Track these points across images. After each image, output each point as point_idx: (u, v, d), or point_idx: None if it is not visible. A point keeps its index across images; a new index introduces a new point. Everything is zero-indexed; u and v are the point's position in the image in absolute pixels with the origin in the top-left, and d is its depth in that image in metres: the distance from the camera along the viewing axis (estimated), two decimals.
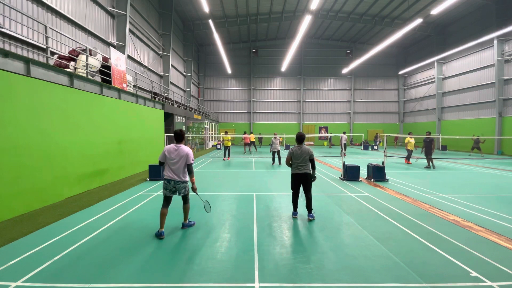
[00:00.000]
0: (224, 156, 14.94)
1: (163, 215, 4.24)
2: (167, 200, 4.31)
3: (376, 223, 4.80)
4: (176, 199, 5.04)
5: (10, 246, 3.82)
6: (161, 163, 4.32)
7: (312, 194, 5.14)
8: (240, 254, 3.60)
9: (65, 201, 6.23)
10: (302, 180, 4.96)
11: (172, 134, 12.38)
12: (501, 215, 5.27)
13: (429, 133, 12.12)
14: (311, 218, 4.94)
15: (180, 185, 4.22)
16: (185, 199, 4.47)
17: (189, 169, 4.25)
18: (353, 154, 19.81)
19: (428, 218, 5.06)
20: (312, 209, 5.02)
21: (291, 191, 5.20)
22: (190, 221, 4.68)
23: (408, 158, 13.50)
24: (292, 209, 5.28)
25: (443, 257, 3.52)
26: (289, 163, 5.11)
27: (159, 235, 4.13)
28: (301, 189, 5.12)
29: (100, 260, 3.41)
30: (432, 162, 11.83)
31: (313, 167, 4.99)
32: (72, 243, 3.90)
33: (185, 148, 4.24)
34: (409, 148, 13.23)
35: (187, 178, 4.31)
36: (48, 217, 5.06)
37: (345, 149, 20.99)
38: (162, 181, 4.51)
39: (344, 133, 17.56)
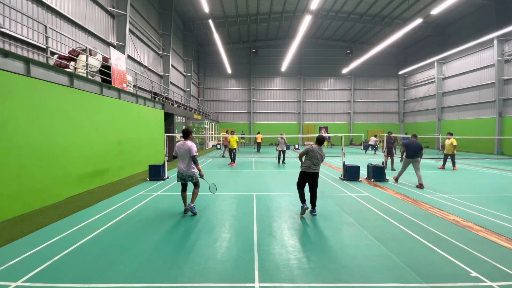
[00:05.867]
0: (231, 161, 12.85)
1: (183, 198, 5.28)
2: (182, 186, 5.29)
3: (376, 223, 4.80)
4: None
5: (10, 246, 3.81)
6: (174, 157, 5.39)
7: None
8: (240, 254, 3.60)
9: (65, 201, 6.22)
10: (311, 179, 5.20)
11: (172, 134, 12.40)
12: (501, 215, 5.26)
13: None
14: (315, 213, 5.25)
15: (186, 175, 5.06)
16: (195, 184, 5.22)
17: (194, 160, 4.97)
18: (353, 154, 19.79)
19: (428, 218, 5.05)
20: (316, 205, 5.30)
21: (296, 189, 5.36)
22: (194, 208, 5.16)
23: (453, 163, 11.63)
24: (296, 206, 5.42)
25: (443, 257, 3.51)
26: (301, 158, 5.30)
27: (184, 212, 5.27)
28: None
29: (100, 260, 3.41)
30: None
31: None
32: (72, 243, 3.90)
33: (189, 143, 4.98)
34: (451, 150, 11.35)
35: (194, 170, 5.04)
36: (48, 217, 5.06)
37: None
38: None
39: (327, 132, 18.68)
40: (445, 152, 11.74)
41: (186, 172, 5.01)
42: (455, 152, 11.50)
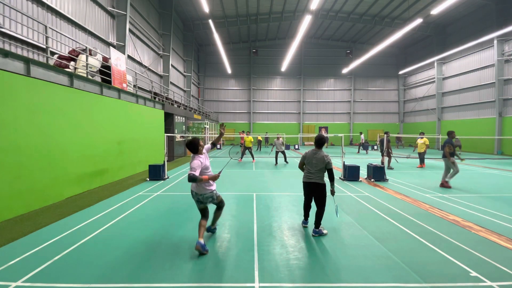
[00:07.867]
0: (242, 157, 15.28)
1: (200, 226, 3.69)
2: (201, 212, 3.83)
3: (376, 223, 4.80)
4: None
5: (10, 246, 3.82)
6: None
7: None
8: (240, 254, 3.60)
9: (65, 201, 6.23)
10: (312, 191, 4.28)
11: (172, 134, 12.18)
12: (501, 215, 5.26)
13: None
14: (314, 235, 4.20)
15: (202, 196, 3.70)
16: (218, 206, 4.11)
17: (189, 178, 3.40)
18: (353, 154, 19.79)
19: (428, 218, 5.05)
20: (319, 225, 4.24)
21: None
22: (215, 228, 4.31)
23: (422, 161, 12.19)
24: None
25: (443, 257, 3.51)
26: (301, 167, 4.52)
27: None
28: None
29: (100, 260, 3.41)
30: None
31: (331, 179, 4.19)
32: (72, 243, 3.90)
33: (192, 157, 3.72)
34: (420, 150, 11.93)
35: (210, 187, 3.74)
36: (48, 217, 5.06)
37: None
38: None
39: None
40: (419, 151, 12.14)
41: (198, 191, 3.69)
42: (426, 150, 12.19)
